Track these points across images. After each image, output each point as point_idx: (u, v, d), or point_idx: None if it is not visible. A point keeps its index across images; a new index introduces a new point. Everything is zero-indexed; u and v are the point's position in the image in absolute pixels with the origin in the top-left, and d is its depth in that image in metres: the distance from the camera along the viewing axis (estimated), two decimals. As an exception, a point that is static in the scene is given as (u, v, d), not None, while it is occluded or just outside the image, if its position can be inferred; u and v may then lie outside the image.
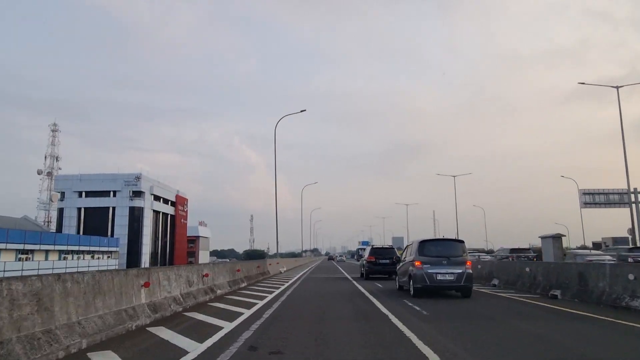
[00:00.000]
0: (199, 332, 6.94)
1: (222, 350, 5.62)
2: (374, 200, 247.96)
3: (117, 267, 61.97)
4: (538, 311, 9.45)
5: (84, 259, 62.66)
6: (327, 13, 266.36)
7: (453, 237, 34.66)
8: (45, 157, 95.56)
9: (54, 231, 70.94)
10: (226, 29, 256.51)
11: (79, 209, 74.03)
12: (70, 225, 72.74)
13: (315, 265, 47.77)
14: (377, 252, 21.44)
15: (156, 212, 79.74)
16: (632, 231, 33.62)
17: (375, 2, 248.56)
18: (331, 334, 6.81)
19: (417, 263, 11.97)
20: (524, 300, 11.36)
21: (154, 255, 78.51)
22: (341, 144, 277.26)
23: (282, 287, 15.73)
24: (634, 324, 7.62)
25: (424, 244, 12.48)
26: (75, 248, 61.77)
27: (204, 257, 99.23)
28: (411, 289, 12.19)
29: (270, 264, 24.22)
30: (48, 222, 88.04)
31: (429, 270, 11.72)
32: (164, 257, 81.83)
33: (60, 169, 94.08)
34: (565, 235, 17.71)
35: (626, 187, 48.66)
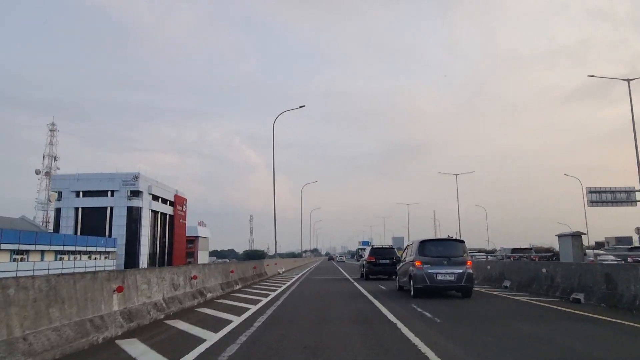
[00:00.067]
0: (176, 345, 5.93)
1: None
2: (374, 200, 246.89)
3: (114, 268, 61.08)
4: (563, 317, 8.43)
5: (80, 259, 61.72)
6: (327, 13, 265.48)
7: (455, 236, 33.70)
8: (44, 157, 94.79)
9: (52, 231, 69.99)
10: (226, 29, 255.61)
11: (77, 209, 73.09)
12: (67, 226, 71.82)
13: (315, 266, 46.77)
14: (377, 252, 21.26)
15: (154, 212, 78.78)
16: (640, 230, 32.53)
17: (375, 2, 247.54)
18: (331, 345, 5.81)
19: (417, 263, 11.85)
20: (544, 304, 10.33)
21: (152, 256, 77.54)
22: (341, 143, 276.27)
23: (279, 290, 14.73)
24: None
25: (424, 244, 12.37)
26: (72, 248, 60.85)
27: (203, 257, 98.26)
28: (411, 289, 12.07)
29: (267, 265, 23.22)
30: (46, 222, 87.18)
31: (430, 271, 11.60)
32: (163, 258, 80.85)
33: (58, 168, 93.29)
34: (585, 234, 16.67)
35: (633, 186, 47.86)
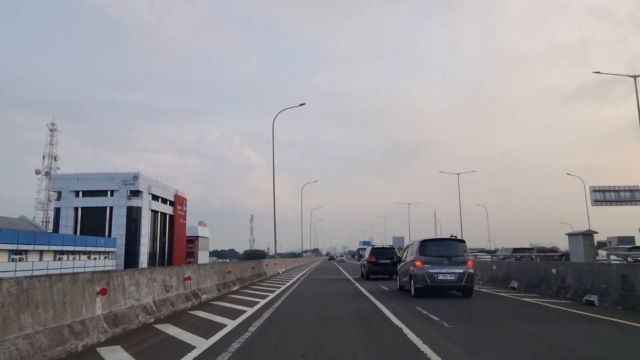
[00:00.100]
0: (161, 353, 5.45)
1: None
2: (374, 200, 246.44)
3: (114, 268, 60.65)
4: (577, 320, 7.92)
5: (79, 259, 61.31)
6: (327, 13, 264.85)
7: (458, 236, 33.34)
8: (44, 157, 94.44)
9: (52, 231, 69.59)
10: (226, 29, 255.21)
11: (76, 209, 72.67)
12: (67, 225, 71.41)
13: (315, 266, 46.28)
14: (377, 252, 21.19)
15: (154, 212, 78.34)
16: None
17: (376, 2, 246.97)
18: (331, 350, 5.32)
19: (418, 263, 11.81)
20: (555, 306, 9.82)
21: (152, 256, 77.12)
22: (341, 143, 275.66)
23: (278, 291, 14.23)
24: None
25: (424, 244, 12.33)
26: (71, 248, 60.43)
27: (203, 257, 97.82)
28: (412, 289, 12.01)
29: (267, 265, 22.72)
30: (46, 222, 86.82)
31: (430, 270, 11.56)
32: (163, 258, 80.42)
33: (58, 168, 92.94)
34: (597, 232, 16.15)
35: (637, 184, 47.27)
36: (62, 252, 58.75)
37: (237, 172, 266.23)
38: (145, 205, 74.47)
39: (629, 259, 18.23)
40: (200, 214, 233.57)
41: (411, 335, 6.36)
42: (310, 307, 10.20)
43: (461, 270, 11.52)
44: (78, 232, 68.86)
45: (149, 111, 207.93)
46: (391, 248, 22.61)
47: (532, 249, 38.75)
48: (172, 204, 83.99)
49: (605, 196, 46.31)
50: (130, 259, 69.83)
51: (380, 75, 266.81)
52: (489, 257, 30.55)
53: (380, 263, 20.40)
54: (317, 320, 8.23)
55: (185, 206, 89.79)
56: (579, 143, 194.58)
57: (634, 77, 27.50)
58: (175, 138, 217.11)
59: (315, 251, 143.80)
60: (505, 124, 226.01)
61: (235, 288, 14.29)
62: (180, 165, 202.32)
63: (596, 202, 46.28)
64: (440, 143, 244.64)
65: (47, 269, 51.68)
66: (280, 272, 26.17)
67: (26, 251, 52.99)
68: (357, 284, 17.27)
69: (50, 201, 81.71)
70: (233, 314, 8.75)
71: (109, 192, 73.26)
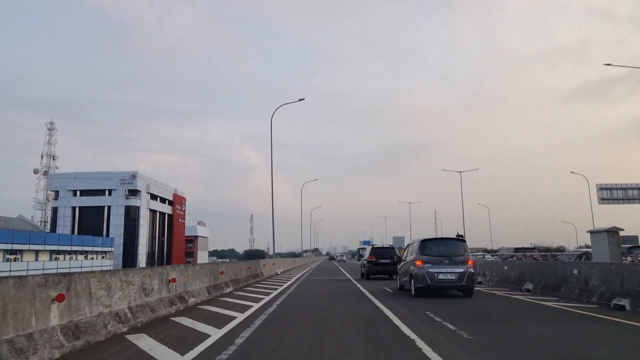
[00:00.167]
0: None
1: None
2: (374, 200, 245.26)
3: (111, 268, 59.71)
4: (611, 328, 6.92)
5: (76, 259, 60.38)
6: (327, 13, 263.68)
7: (463, 235, 32.28)
8: (42, 156, 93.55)
9: (49, 231, 68.70)
10: (226, 29, 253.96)
11: (74, 208, 71.74)
12: (64, 225, 70.49)
13: (315, 266, 45.30)
14: (377, 251, 21.16)
15: (153, 212, 77.42)
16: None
17: (376, 2, 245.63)
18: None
19: (418, 262, 11.76)
20: (581, 312, 8.80)
21: (150, 256, 76.18)
22: (341, 143, 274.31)
23: (274, 293, 13.23)
24: None
25: (425, 243, 12.25)
26: (67, 248, 59.52)
27: (202, 257, 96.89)
28: (412, 288, 11.95)
29: (264, 265, 21.70)
30: (45, 222, 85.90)
31: (431, 270, 11.50)
32: (162, 257, 79.49)
33: (57, 168, 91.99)
34: (623, 230, 15.12)
35: (644, 182, 46.20)
36: (58, 252, 57.82)
37: (237, 172, 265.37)
38: (144, 204, 73.53)
39: (629, 259, 17.47)
40: (200, 213, 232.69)
41: (412, 336, 6.12)
42: (308, 314, 9.20)
43: (462, 270, 11.41)
44: (76, 232, 67.93)
45: (149, 111, 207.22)
46: (391, 248, 22.45)
47: (534, 248, 37.99)
48: (171, 203, 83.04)
49: (612, 194, 45.26)
50: (129, 258, 68.90)
51: (380, 75, 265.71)
52: (490, 256, 29.66)
53: (380, 263, 20.30)
54: (315, 325, 7.34)
55: (185, 205, 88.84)
56: (579, 143, 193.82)
57: (646, 69, 26.41)
58: (175, 138, 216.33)
59: (316, 251, 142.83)
60: (505, 123, 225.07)
61: (228, 290, 13.29)
62: (180, 165, 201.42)
63: (603, 200, 45.22)
64: (441, 143, 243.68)
65: (43, 269, 50.75)
66: (279, 273, 25.16)
67: (21, 251, 52.10)
68: (356, 284, 17.09)
69: (48, 201, 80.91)
70: (220, 321, 7.75)
71: (106, 192, 72.32)
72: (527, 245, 44.76)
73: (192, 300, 10.07)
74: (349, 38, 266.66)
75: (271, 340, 6.14)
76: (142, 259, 71.56)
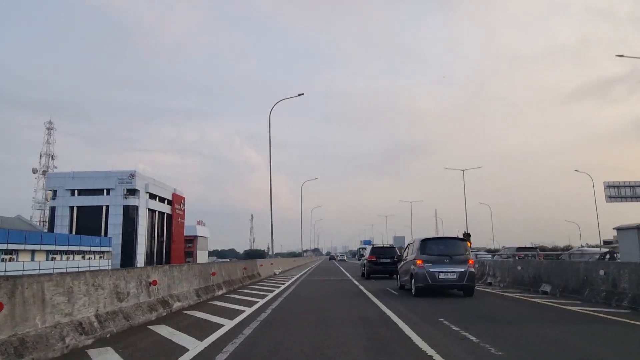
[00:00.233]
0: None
1: None
2: (375, 200, 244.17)
3: (109, 268, 58.80)
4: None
5: (73, 259, 59.46)
6: (327, 13, 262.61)
7: (470, 234, 31.53)
8: (41, 156, 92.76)
9: (47, 231, 67.83)
10: (226, 29, 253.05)
11: (72, 208, 70.86)
12: (62, 225, 69.62)
13: (315, 266, 44.31)
14: (377, 251, 21.15)
15: (152, 211, 76.47)
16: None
17: (376, 2, 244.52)
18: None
19: (418, 262, 11.70)
20: (615, 317, 7.77)
21: (149, 256, 75.26)
22: (341, 143, 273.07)
23: (270, 295, 12.22)
24: None
25: (425, 243, 12.20)
26: (64, 248, 58.58)
27: (202, 257, 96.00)
28: (413, 288, 11.91)
29: (261, 265, 20.69)
30: (43, 221, 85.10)
31: (431, 269, 11.45)
32: (161, 257, 78.59)
33: (56, 167, 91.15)
34: None
35: (654, 180, 45.09)
36: (55, 252, 56.92)
37: (237, 172, 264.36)
38: (142, 204, 72.61)
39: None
40: (200, 213, 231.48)
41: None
42: (307, 314, 8.23)
43: (462, 269, 11.37)
44: (74, 232, 67.04)
45: (149, 111, 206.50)
46: (391, 247, 22.41)
47: (536, 248, 37.21)
48: (170, 202, 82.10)
49: (620, 192, 44.21)
50: (127, 258, 67.98)
51: (380, 75, 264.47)
52: (490, 256, 28.87)
53: (381, 262, 20.26)
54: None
55: (184, 205, 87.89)
56: (580, 143, 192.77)
57: (660, 61, 25.36)
58: (175, 138, 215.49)
59: (316, 251, 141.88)
60: (505, 123, 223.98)
61: (220, 292, 12.29)
62: (180, 165, 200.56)
63: (610, 198, 44.16)
64: (441, 143, 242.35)
65: (39, 269, 49.87)
66: (277, 273, 24.16)
67: (17, 251, 51.21)
68: (357, 283, 17.05)
69: (47, 200, 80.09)
70: (205, 330, 6.75)
71: (105, 191, 71.44)
72: (528, 245, 43.85)
73: (177, 305, 9.07)
74: (349, 38, 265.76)
75: (260, 357, 5.13)
76: (140, 259, 70.64)
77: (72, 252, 60.06)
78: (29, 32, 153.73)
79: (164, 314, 8.30)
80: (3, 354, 4.34)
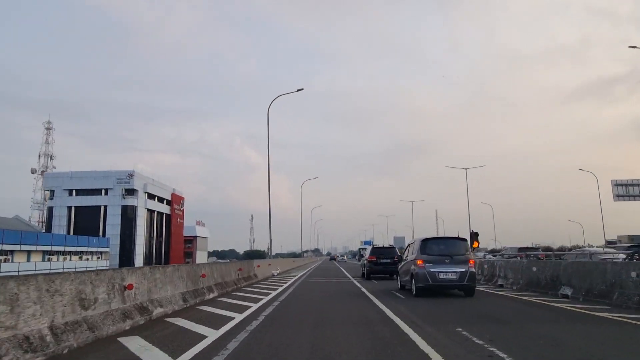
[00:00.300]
0: None
1: None
2: (375, 200, 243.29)
3: (107, 268, 57.80)
4: None
5: (70, 260, 58.53)
6: (327, 12, 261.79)
7: (476, 234, 30.53)
8: (39, 156, 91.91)
9: (44, 231, 66.94)
10: (226, 29, 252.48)
11: (69, 208, 70.00)
12: (60, 225, 68.78)
13: (315, 266, 43.31)
14: (378, 251, 21.09)
15: (150, 211, 75.59)
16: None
17: (376, 2, 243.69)
18: None
19: (419, 262, 11.66)
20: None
21: (148, 256, 74.34)
22: (341, 143, 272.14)
23: (266, 299, 11.20)
24: None
25: (426, 243, 12.14)
26: (61, 248, 57.67)
27: (202, 257, 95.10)
28: (413, 288, 11.86)
29: (258, 266, 19.68)
30: (42, 222, 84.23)
31: (432, 269, 11.41)
32: (159, 258, 77.67)
33: (54, 167, 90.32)
34: None
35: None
36: (51, 253, 56.01)
37: (237, 172, 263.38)
38: (141, 204, 71.75)
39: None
40: (200, 213, 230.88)
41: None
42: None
43: (463, 269, 11.31)
44: (71, 232, 66.18)
45: (149, 111, 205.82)
46: (391, 247, 22.36)
47: (538, 248, 36.48)
48: (169, 203, 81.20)
49: (628, 190, 43.24)
50: (125, 259, 67.10)
51: (380, 75, 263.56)
52: (491, 257, 28.01)
53: (381, 262, 20.19)
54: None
55: (183, 205, 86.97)
56: (580, 143, 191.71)
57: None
58: (175, 138, 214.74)
59: (316, 251, 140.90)
60: (505, 123, 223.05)
61: (210, 296, 11.29)
62: (180, 165, 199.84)
63: (618, 196, 43.24)
64: (441, 143, 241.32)
65: (35, 270, 48.97)
66: (275, 274, 23.15)
67: (12, 251, 50.31)
68: (358, 285, 16.81)
69: (45, 200, 79.28)
70: (183, 342, 5.76)
71: (103, 191, 70.59)
72: (529, 245, 43.02)
73: (158, 312, 8.07)
74: (349, 38, 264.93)
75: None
76: (139, 260, 69.75)
77: (69, 253, 59.17)
78: (29, 32, 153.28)
79: (142, 322, 7.30)
80: None
